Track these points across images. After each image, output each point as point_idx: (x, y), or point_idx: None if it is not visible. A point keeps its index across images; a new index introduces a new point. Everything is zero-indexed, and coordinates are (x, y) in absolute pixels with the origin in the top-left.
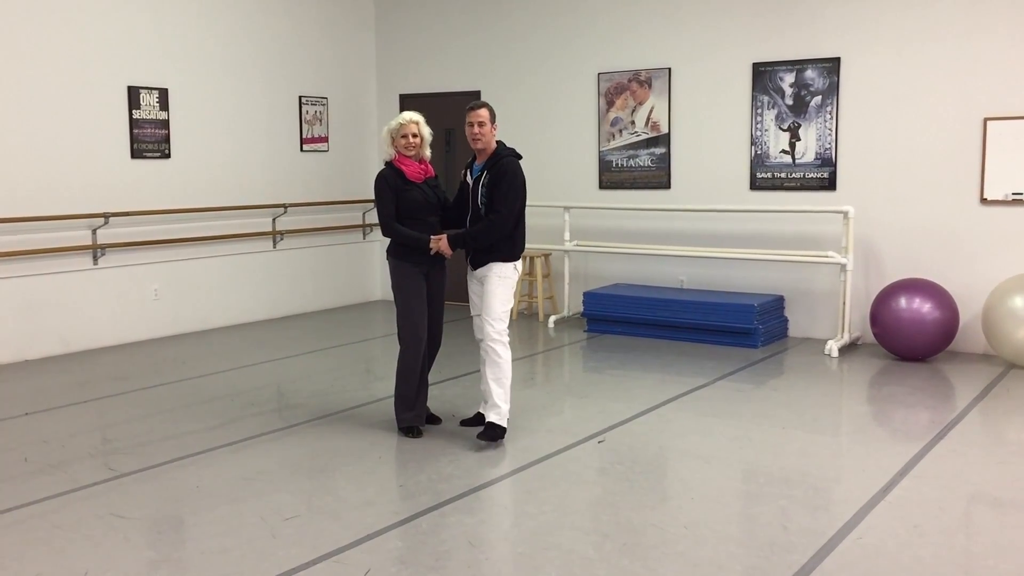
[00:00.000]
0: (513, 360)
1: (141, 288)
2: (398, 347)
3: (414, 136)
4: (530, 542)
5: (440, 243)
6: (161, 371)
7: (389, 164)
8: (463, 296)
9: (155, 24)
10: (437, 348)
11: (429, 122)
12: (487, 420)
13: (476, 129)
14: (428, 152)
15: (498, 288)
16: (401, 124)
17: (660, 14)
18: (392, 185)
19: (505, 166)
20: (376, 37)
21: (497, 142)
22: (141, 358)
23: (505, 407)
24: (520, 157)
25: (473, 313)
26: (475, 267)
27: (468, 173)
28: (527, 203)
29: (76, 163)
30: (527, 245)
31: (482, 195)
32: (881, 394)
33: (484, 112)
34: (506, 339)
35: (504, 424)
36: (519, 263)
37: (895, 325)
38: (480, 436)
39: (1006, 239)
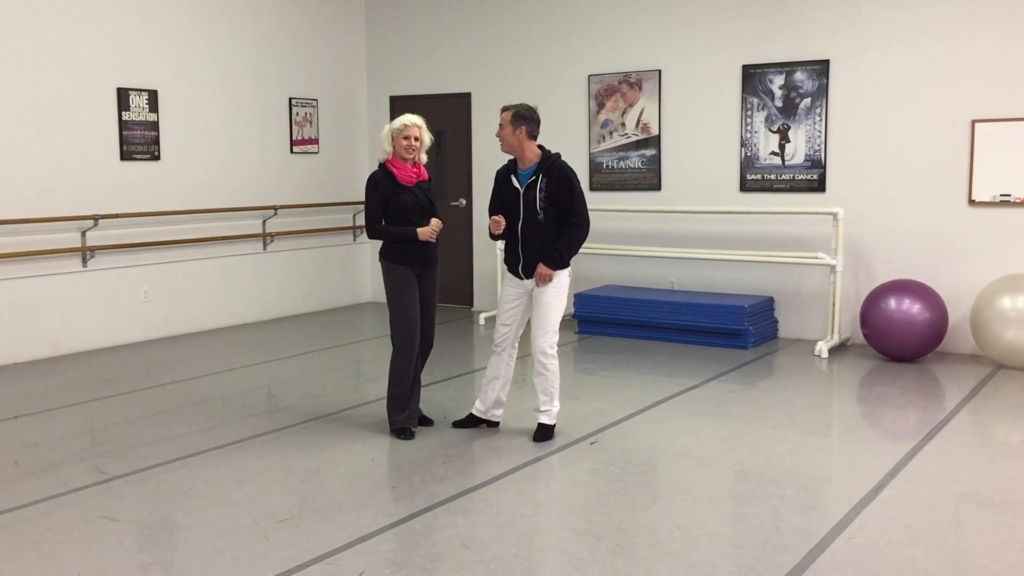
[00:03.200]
0: None
1: (131, 290)
2: (391, 349)
3: (416, 139)
4: (523, 543)
5: (427, 233)
6: (151, 373)
7: (382, 166)
8: (455, 298)
9: (145, 26)
10: (429, 350)
11: (429, 128)
12: (538, 422)
13: (498, 131)
14: (424, 157)
15: (555, 300)
16: (405, 125)
17: (650, 16)
18: (382, 188)
19: (562, 169)
20: (367, 39)
21: (538, 145)
22: (131, 360)
23: (554, 408)
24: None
25: (502, 322)
26: (528, 276)
27: (514, 178)
28: None
29: (65, 165)
30: None
31: (541, 200)
32: (871, 394)
33: (503, 115)
34: (556, 350)
35: (554, 422)
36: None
37: (885, 326)
38: (535, 439)
39: (994, 240)
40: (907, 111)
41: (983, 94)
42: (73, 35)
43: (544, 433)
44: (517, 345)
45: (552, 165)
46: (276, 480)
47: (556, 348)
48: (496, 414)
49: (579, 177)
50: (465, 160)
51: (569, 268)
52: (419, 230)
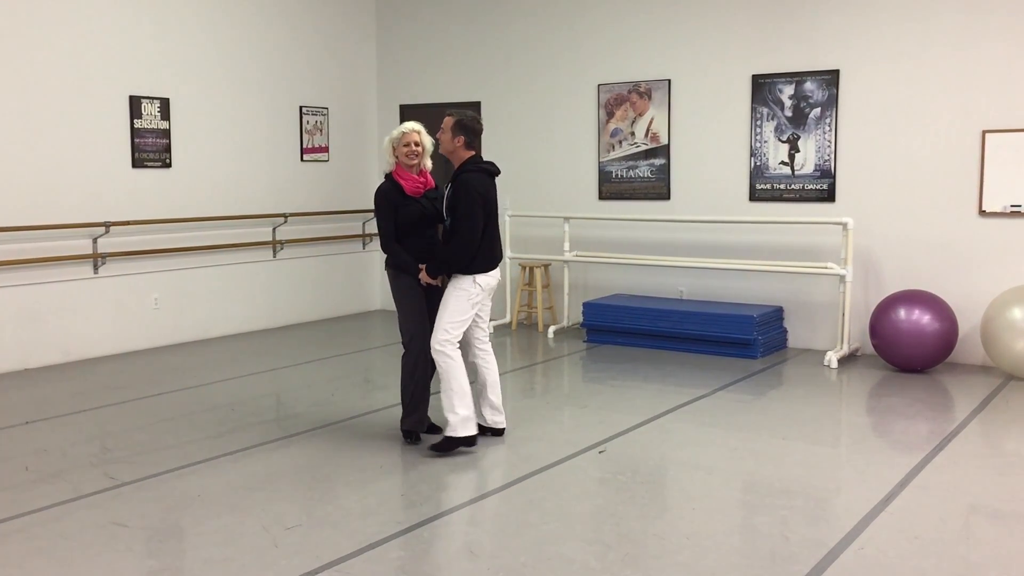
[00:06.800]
0: (513, 370)
1: (141, 297)
2: (401, 353)
3: (416, 145)
4: (532, 552)
5: (424, 276)
6: (161, 380)
7: (389, 178)
8: None
9: (157, 34)
10: None
11: (429, 132)
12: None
13: (439, 134)
14: (429, 163)
15: (450, 299)
16: (403, 133)
17: (660, 26)
18: (392, 201)
19: (459, 184)
20: (377, 47)
21: (475, 156)
22: (141, 367)
23: (453, 417)
24: (496, 173)
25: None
26: (434, 277)
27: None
28: (515, 214)
29: (77, 172)
30: (527, 255)
31: (446, 209)
32: (880, 405)
33: (446, 120)
34: (449, 349)
35: (451, 435)
36: (482, 278)
37: (894, 336)
38: (431, 446)
39: (1005, 251)
40: (917, 121)
41: (993, 104)
42: (86, 44)
43: (439, 444)
44: (474, 345)
45: (460, 175)
46: (285, 487)
47: (448, 347)
48: (497, 421)
49: (486, 190)
50: None
51: (480, 276)
52: (422, 274)
